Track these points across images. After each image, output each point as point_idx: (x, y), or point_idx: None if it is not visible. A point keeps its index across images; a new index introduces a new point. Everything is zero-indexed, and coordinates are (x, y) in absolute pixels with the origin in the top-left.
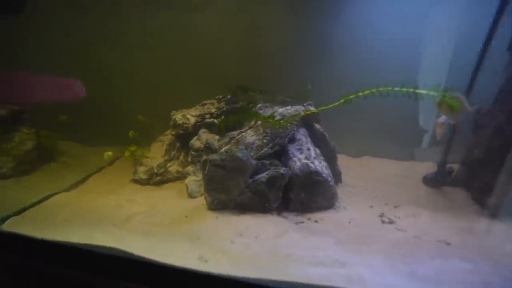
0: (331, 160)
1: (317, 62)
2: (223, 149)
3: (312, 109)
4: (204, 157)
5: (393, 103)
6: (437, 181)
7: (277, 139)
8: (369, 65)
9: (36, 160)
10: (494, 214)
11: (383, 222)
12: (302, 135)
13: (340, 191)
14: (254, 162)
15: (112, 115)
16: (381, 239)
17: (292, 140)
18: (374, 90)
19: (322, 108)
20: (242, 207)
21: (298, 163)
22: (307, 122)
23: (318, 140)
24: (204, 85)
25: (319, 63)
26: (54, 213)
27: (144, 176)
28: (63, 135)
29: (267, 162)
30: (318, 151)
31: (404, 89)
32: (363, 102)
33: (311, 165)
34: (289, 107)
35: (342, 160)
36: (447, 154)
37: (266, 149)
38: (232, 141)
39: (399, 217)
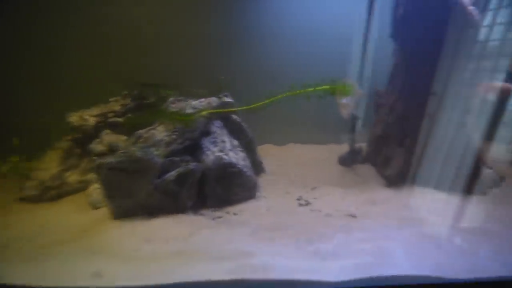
0: (250, 150)
1: (236, 55)
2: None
3: (227, 99)
4: (98, 161)
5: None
6: (349, 160)
7: (187, 134)
8: (286, 56)
9: None
10: (392, 184)
11: (300, 205)
12: (217, 127)
13: (262, 180)
14: (159, 160)
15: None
16: (295, 223)
17: (207, 133)
18: (280, 96)
19: (240, 108)
20: (153, 210)
21: (211, 157)
22: (223, 113)
23: (235, 131)
24: (113, 83)
25: (239, 56)
26: None
27: (34, 192)
28: None
29: (177, 159)
30: (235, 142)
31: (303, 90)
32: (284, 92)
33: (225, 157)
34: (203, 99)
35: (267, 149)
36: (354, 135)
37: (175, 145)
38: (140, 140)
39: (315, 198)
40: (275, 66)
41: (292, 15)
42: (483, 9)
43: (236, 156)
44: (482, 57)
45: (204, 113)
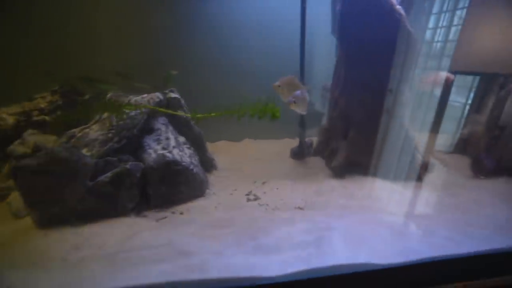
0: (199, 147)
1: (186, 49)
2: None
3: (173, 95)
4: (13, 162)
5: (270, 88)
6: (300, 153)
7: (124, 132)
8: (239, 51)
9: None
10: (337, 175)
11: (248, 200)
12: (161, 124)
13: (213, 177)
14: (91, 160)
15: None
16: (241, 218)
17: (150, 130)
18: (214, 114)
19: (184, 114)
20: (88, 215)
21: (153, 155)
22: (169, 108)
23: (183, 128)
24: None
25: (188, 51)
26: None
27: None
28: None
29: (113, 159)
30: (181, 139)
31: (233, 111)
32: (239, 87)
33: (168, 155)
34: (146, 95)
35: (222, 146)
36: (303, 129)
37: (111, 143)
38: (72, 140)
39: (265, 192)
40: (226, 61)
41: (248, 7)
42: (427, 12)
43: (181, 153)
44: (419, 54)
45: (142, 108)
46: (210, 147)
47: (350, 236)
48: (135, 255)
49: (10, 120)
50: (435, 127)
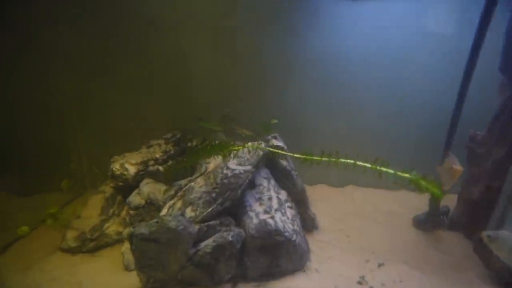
0: (301, 203)
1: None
2: (164, 210)
3: (277, 143)
4: (130, 229)
5: (381, 121)
6: (429, 223)
7: (228, 192)
8: (343, 88)
9: None
10: (506, 283)
11: None
12: (263, 178)
13: (314, 241)
14: (195, 229)
15: (48, 157)
16: None
17: (252, 185)
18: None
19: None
20: (186, 284)
21: (255, 220)
22: (271, 158)
23: (284, 179)
24: (157, 119)
25: (294, 88)
26: None
27: (73, 244)
28: None
29: (216, 222)
30: (283, 195)
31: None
32: (344, 124)
33: (270, 221)
34: (249, 144)
35: (322, 191)
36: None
37: (214, 206)
38: (179, 193)
39: (383, 284)
40: (343, 99)
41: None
42: None
43: (283, 218)
44: None
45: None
46: (308, 191)
47: None
48: None
49: (132, 170)
50: None
